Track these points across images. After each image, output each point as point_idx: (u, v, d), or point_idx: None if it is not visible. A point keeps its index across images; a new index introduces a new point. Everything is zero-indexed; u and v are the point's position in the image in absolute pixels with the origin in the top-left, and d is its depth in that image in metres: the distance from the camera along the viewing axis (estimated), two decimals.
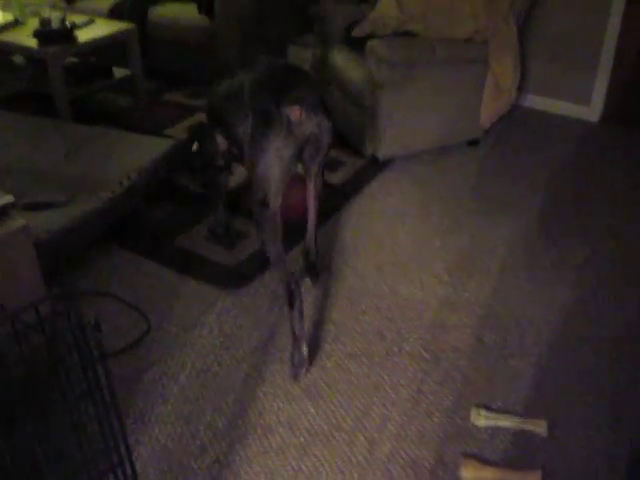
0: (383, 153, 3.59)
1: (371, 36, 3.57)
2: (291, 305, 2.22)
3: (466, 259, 2.89)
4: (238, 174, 3.20)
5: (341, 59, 3.73)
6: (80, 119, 4.05)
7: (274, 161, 2.21)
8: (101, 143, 3.42)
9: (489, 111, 3.69)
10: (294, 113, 2.17)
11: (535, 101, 4.40)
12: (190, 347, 2.42)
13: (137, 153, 3.30)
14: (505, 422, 2.07)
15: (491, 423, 2.07)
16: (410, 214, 3.22)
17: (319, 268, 2.78)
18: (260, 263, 2.81)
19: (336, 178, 3.49)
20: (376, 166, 3.61)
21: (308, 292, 2.67)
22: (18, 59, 4.43)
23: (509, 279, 2.76)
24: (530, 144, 3.92)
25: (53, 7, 4.78)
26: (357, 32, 3.65)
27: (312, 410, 2.16)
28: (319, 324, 2.51)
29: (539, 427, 2.04)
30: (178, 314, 2.59)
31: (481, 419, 2.08)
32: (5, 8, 4.39)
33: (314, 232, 2.69)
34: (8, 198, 2.19)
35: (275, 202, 2.27)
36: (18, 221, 2.17)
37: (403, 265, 2.85)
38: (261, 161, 2.23)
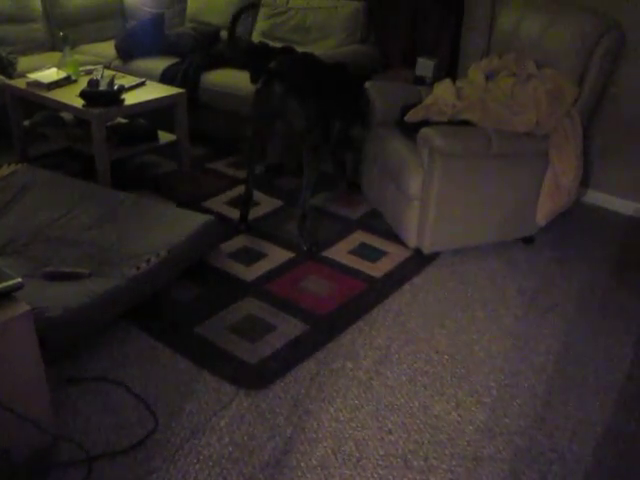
0: (429, 247, 3.38)
1: (426, 122, 3.39)
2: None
3: (509, 375, 2.63)
4: None
5: (391, 142, 3.55)
6: (120, 181, 3.98)
7: None
8: (135, 212, 3.29)
9: (547, 209, 3.45)
10: None
11: (597, 198, 4.15)
12: (196, 455, 2.20)
13: (170, 227, 3.15)
14: None
15: None
16: (452, 317, 2.98)
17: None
18: (283, 359, 2.61)
19: (376, 270, 3.28)
20: (420, 260, 3.38)
21: (332, 403, 2.44)
22: (67, 115, 4.38)
23: (556, 405, 2.48)
24: (589, 244, 3.66)
25: (108, 67, 4.77)
26: (410, 117, 3.47)
27: None
28: (339, 442, 2.27)
29: None
30: (188, 413, 2.38)
31: None
32: (61, 66, 4.37)
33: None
34: (15, 281, 2.05)
35: None
36: (22, 306, 2.02)
37: (439, 378, 2.60)
38: None
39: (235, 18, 3.27)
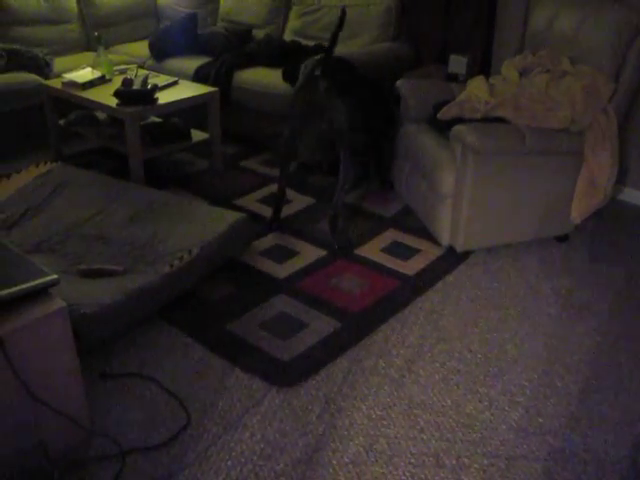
0: (462, 244, 3.35)
1: (458, 119, 3.36)
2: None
3: (542, 375, 2.60)
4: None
5: (423, 140, 3.53)
6: (153, 179, 4.01)
7: None
8: (168, 210, 3.31)
9: (581, 207, 3.41)
10: None
11: (633, 196, 4.09)
12: (228, 451, 2.21)
13: (202, 225, 3.16)
14: None
15: None
16: (485, 316, 2.95)
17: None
18: (315, 357, 2.61)
19: (409, 268, 3.26)
20: (453, 258, 3.36)
21: (364, 400, 2.44)
22: (101, 115, 4.43)
23: (591, 405, 2.45)
24: (624, 243, 3.61)
25: (141, 66, 4.81)
26: (443, 114, 3.45)
27: None
28: (371, 440, 2.26)
29: None
30: (221, 409, 2.39)
31: None
32: (95, 66, 4.42)
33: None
34: (52, 277, 2.07)
35: None
36: (57, 302, 2.05)
37: (472, 376, 2.58)
38: None
39: (335, 35, 3.32)
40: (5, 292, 1.96)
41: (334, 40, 3.33)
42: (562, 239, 3.57)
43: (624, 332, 2.87)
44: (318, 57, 3.41)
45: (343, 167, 3.38)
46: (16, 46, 4.83)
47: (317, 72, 3.32)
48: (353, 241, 3.51)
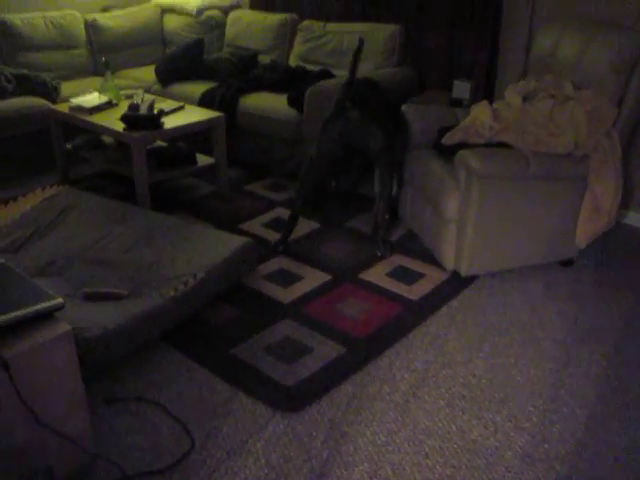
0: (467, 269, 3.35)
1: (463, 144, 3.38)
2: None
3: (548, 400, 2.58)
4: None
5: (428, 165, 3.54)
6: (159, 203, 4.04)
7: None
8: (173, 234, 3.32)
9: (586, 231, 3.41)
10: None
11: (638, 219, 4.08)
12: (232, 477, 2.20)
13: (208, 249, 3.17)
14: None
15: None
16: (490, 341, 2.95)
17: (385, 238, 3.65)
18: (320, 382, 2.60)
19: (413, 293, 3.26)
20: (458, 282, 3.36)
21: (368, 426, 2.43)
22: (108, 139, 4.46)
23: (598, 431, 2.43)
24: (630, 267, 3.60)
25: (148, 91, 4.85)
26: (447, 139, 3.47)
27: None
28: (376, 466, 2.25)
29: None
30: (225, 434, 2.38)
31: None
32: (102, 90, 4.46)
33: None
34: (57, 301, 2.08)
35: None
36: (62, 326, 2.05)
37: (477, 402, 2.57)
38: None
39: (356, 58, 3.40)
40: (11, 315, 1.96)
41: (354, 69, 3.42)
42: (567, 264, 3.57)
43: (630, 357, 2.86)
44: (343, 86, 3.49)
45: (382, 182, 3.55)
46: (25, 71, 4.89)
47: (348, 104, 3.41)
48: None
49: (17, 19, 5.16)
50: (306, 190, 3.60)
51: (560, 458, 2.31)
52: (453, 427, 2.44)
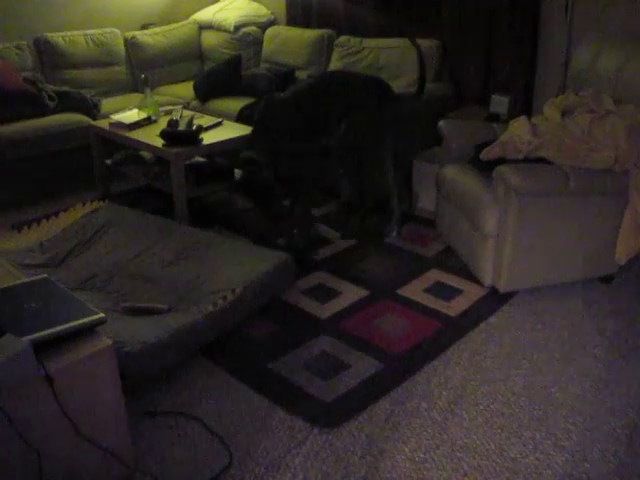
0: (505, 285, 3.33)
1: (501, 160, 3.36)
2: None
3: (588, 419, 2.55)
4: None
5: (466, 180, 3.54)
6: (198, 218, 4.08)
7: None
8: (212, 249, 3.35)
9: (626, 247, 3.36)
10: None
11: None
12: None
13: (246, 265, 3.19)
14: None
15: None
16: (528, 358, 2.92)
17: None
18: (357, 398, 2.60)
19: (451, 309, 3.25)
20: (496, 298, 3.34)
21: (406, 443, 2.42)
22: (147, 154, 4.52)
23: (639, 451, 2.40)
24: None
25: (186, 107, 4.91)
26: (485, 154, 3.46)
27: None
28: None
29: None
30: (263, 449, 2.39)
31: None
32: (142, 107, 4.53)
33: None
34: (99, 316, 2.12)
35: None
36: (104, 340, 2.08)
37: (516, 419, 2.55)
38: None
39: (422, 73, 3.54)
40: (54, 330, 2.00)
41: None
42: (606, 280, 3.52)
43: None
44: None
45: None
46: (66, 88, 4.99)
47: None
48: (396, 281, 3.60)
49: (59, 37, 5.28)
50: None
51: (601, 478, 2.27)
52: (492, 445, 2.42)
